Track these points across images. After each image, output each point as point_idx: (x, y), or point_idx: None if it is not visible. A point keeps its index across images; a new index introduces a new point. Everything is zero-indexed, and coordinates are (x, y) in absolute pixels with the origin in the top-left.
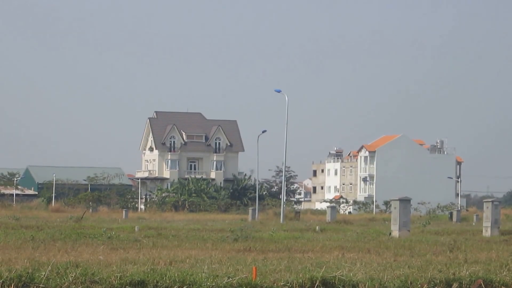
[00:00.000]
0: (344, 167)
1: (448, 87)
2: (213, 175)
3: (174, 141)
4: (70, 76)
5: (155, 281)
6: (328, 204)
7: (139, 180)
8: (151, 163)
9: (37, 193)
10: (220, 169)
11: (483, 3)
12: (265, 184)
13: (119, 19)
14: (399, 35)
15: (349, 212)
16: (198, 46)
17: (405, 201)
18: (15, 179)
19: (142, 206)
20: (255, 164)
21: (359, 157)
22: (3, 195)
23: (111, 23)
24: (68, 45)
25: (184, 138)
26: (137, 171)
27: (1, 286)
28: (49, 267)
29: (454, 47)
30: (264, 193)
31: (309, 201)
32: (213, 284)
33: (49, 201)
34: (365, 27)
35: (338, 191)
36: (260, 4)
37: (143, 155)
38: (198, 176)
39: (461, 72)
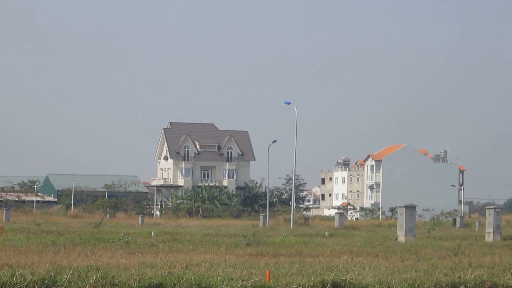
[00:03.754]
0: (351, 175)
1: (452, 98)
2: (225, 182)
3: (188, 151)
4: (89, 89)
5: (172, 284)
6: (336, 210)
7: (155, 188)
8: (166, 171)
9: (56, 199)
10: (232, 177)
11: (485, 19)
12: (276, 192)
13: (135, 33)
14: (404, 48)
15: (356, 218)
16: (211, 61)
17: (410, 208)
18: (35, 186)
19: (158, 212)
20: (266, 172)
21: (365, 166)
22: (24, 201)
23: (128, 37)
24: (87, 59)
25: (198, 148)
26: (153, 179)
27: None
28: (71, 270)
29: (456, 60)
30: (274, 200)
31: (318, 207)
32: (229, 287)
33: (68, 207)
34: (371, 40)
35: (345, 198)
36: (270, 20)
37: (158, 163)
38: (211, 184)
39: (464, 84)
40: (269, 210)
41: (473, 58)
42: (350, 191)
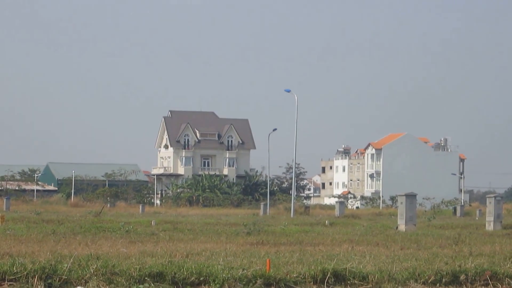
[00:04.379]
0: (351, 164)
1: (452, 86)
2: (225, 171)
3: (188, 139)
4: (89, 78)
5: (173, 272)
6: (336, 199)
7: (155, 176)
8: (166, 160)
9: (57, 188)
10: (233, 166)
11: (487, 5)
12: (276, 180)
13: (135, 21)
14: (404, 36)
15: (357, 207)
16: (211, 49)
17: (411, 197)
18: (35, 175)
19: (158, 201)
20: (266, 161)
21: (366, 155)
22: (25, 190)
23: (128, 25)
24: (87, 48)
25: (198, 136)
26: (153, 168)
27: (26, 278)
28: (71, 259)
29: (457, 48)
30: (275, 188)
31: (318, 196)
32: (229, 275)
33: (68, 196)
34: (371, 28)
35: (346, 187)
36: (270, 7)
37: (158, 152)
38: (212, 173)
39: (464, 72)
40: (269, 199)
41: (474, 46)
42: (351, 180)
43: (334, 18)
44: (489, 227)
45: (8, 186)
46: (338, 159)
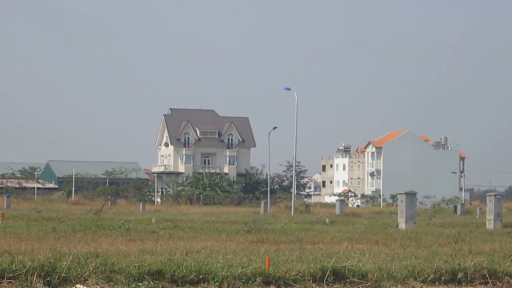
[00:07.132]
0: (352, 162)
1: (453, 85)
2: (226, 169)
3: (188, 137)
4: (90, 75)
5: (172, 270)
6: (337, 197)
7: (155, 174)
8: (167, 158)
9: (57, 186)
10: (233, 164)
11: (492, 10)
12: (276, 179)
13: (137, 19)
14: (407, 36)
15: (357, 205)
16: (212, 47)
17: (411, 195)
18: (36, 173)
19: (159, 199)
20: (267, 159)
21: (366, 153)
22: (25, 188)
23: (129, 23)
24: (89, 44)
25: (198, 134)
26: (153, 166)
27: (25, 275)
28: (70, 257)
29: (460, 48)
30: (275, 187)
31: (319, 194)
32: (228, 273)
33: (69, 194)
34: (374, 27)
35: (346, 185)
36: (271, 4)
37: (159, 150)
38: (212, 171)
39: (465, 71)
40: (270, 197)
41: (477, 47)
42: (351, 178)
43: (335, 16)
44: (490, 225)
45: (8, 184)
46: (339, 157)
